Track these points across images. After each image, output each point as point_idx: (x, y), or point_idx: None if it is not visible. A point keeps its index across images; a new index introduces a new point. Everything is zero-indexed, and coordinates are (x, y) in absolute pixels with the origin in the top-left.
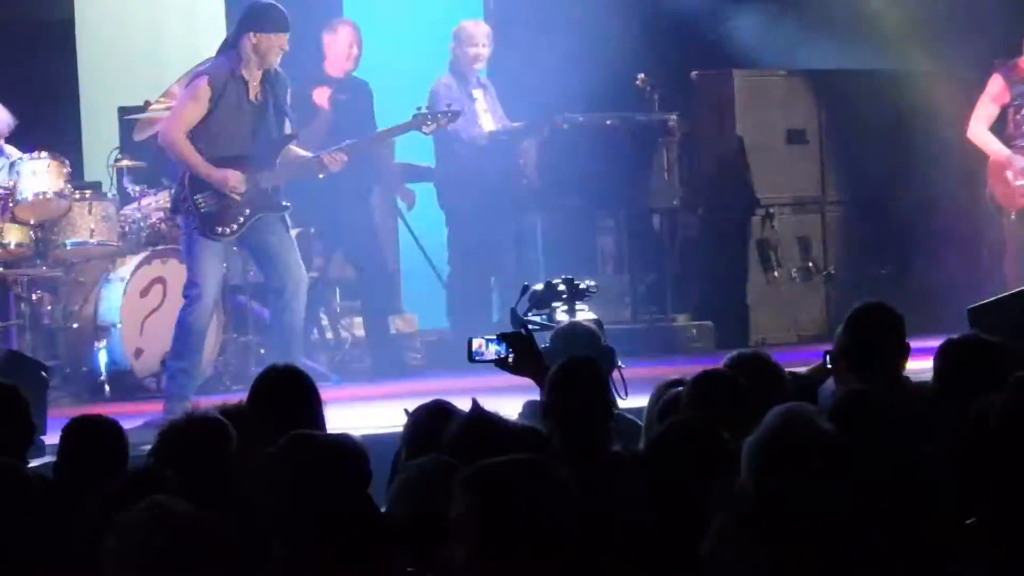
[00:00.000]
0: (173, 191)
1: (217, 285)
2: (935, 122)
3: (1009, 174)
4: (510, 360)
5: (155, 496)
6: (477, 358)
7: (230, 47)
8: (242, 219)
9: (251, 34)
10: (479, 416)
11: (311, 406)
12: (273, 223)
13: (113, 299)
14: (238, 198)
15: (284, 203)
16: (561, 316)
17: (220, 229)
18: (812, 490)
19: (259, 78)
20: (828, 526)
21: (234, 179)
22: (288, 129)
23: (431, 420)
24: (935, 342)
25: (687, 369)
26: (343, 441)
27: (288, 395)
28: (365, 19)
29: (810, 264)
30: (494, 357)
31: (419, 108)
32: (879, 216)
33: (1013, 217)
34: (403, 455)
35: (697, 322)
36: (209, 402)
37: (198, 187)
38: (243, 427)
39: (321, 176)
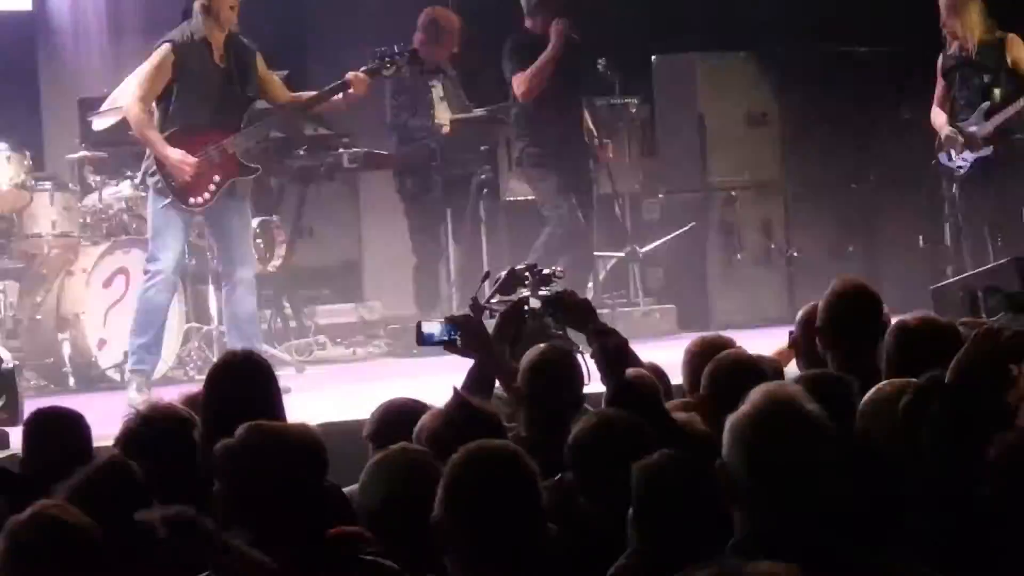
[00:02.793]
0: (144, 163)
1: (178, 260)
2: (896, 103)
3: (949, 149)
4: (458, 342)
5: (45, 502)
6: (426, 341)
7: (185, 16)
8: (213, 187)
9: None
10: (460, 406)
11: (269, 393)
12: (239, 206)
13: (76, 290)
14: (190, 168)
15: (253, 166)
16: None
17: (192, 199)
18: (804, 466)
19: (222, 42)
20: (818, 502)
21: (179, 157)
22: (252, 92)
23: (400, 413)
24: None
25: (650, 353)
26: (299, 431)
27: (246, 382)
28: None
29: (772, 247)
30: (443, 339)
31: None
32: (841, 198)
33: (952, 191)
34: (371, 447)
35: (659, 305)
36: (172, 392)
37: (163, 164)
38: (202, 416)
39: (347, 105)
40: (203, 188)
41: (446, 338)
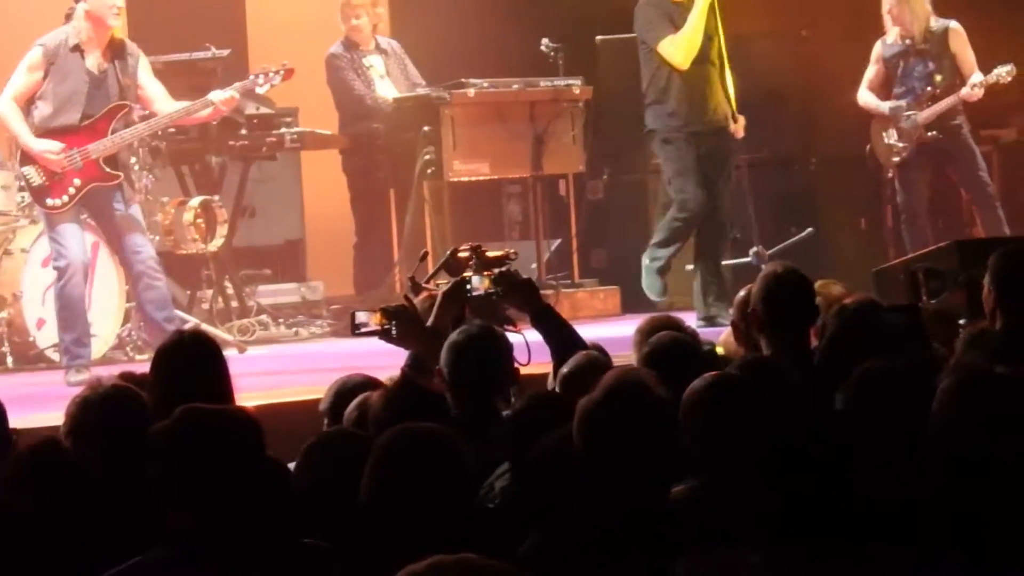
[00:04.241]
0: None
1: (82, 249)
2: (843, 84)
3: (887, 133)
4: (393, 332)
5: None
6: (361, 331)
7: (68, 19)
8: (72, 190)
9: (83, 2)
10: (404, 386)
11: (218, 373)
12: (110, 198)
13: (14, 270)
14: (60, 170)
15: (114, 172)
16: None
17: (50, 201)
18: (644, 452)
19: (102, 47)
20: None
21: (43, 147)
22: (129, 99)
23: (356, 388)
24: None
25: (594, 334)
26: (234, 413)
27: (193, 363)
28: None
29: None
30: (376, 329)
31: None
32: (788, 178)
33: (891, 175)
34: (326, 422)
35: (604, 287)
36: (113, 372)
37: (27, 160)
38: (150, 397)
39: (214, 121)
40: (62, 191)
41: (379, 329)
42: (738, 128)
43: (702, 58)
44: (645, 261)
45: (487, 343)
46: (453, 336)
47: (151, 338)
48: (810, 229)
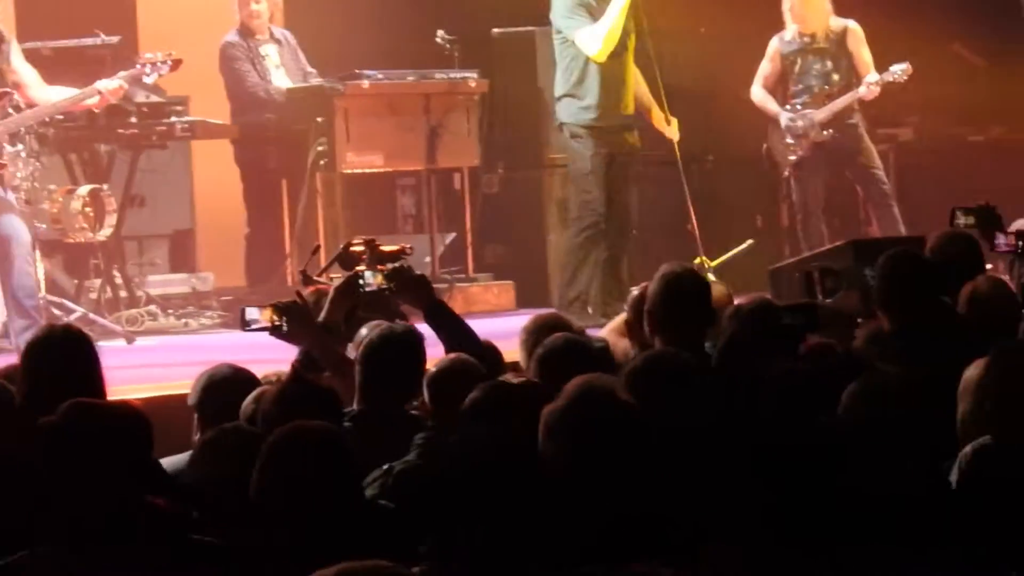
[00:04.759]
0: None
1: None
2: (741, 82)
3: (783, 134)
4: (284, 328)
5: None
6: (251, 327)
7: None
8: None
9: None
10: (295, 382)
11: (90, 367)
12: None
13: None
14: None
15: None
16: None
17: None
18: (612, 460)
19: None
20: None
21: None
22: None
23: (225, 381)
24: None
25: (488, 329)
26: (122, 408)
27: (65, 357)
28: None
29: None
30: (267, 325)
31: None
32: (685, 176)
33: (786, 174)
34: (195, 416)
35: (498, 281)
36: None
37: None
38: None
39: (97, 110)
40: None
41: (270, 325)
42: (672, 130)
43: (618, 51)
44: (572, 315)
45: (407, 345)
46: (373, 334)
47: (15, 325)
48: (750, 241)
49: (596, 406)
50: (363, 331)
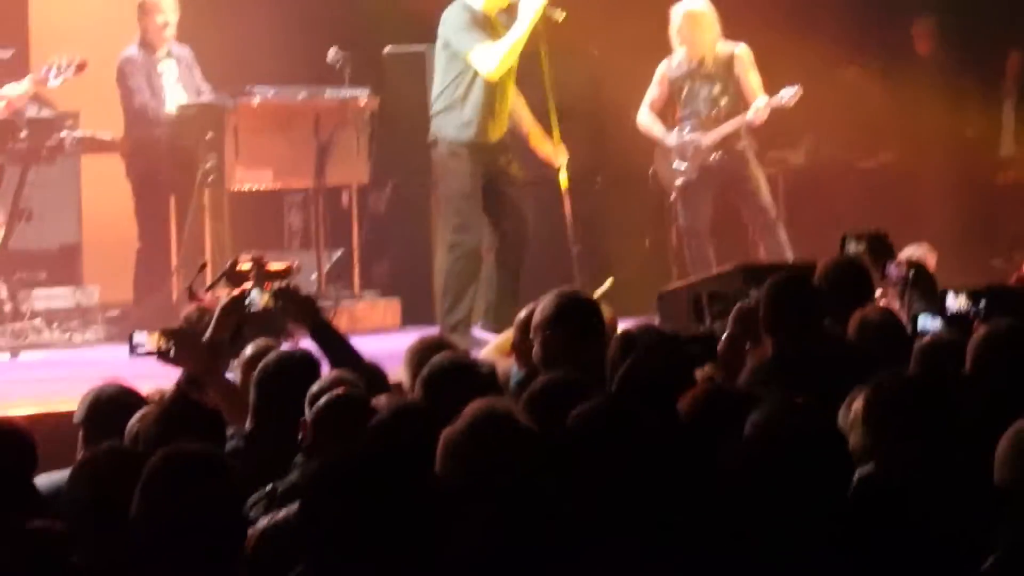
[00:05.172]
0: None
1: None
2: (630, 103)
3: (670, 157)
4: (171, 353)
5: None
6: (137, 351)
7: None
8: None
9: None
10: (178, 401)
11: None
12: None
13: None
14: None
15: None
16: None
17: None
18: (510, 482)
19: None
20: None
21: None
22: None
23: (111, 398)
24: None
25: (373, 347)
26: (6, 426)
27: None
28: None
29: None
30: (153, 350)
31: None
32: (572, 197)
33: (673, 197)
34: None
35: (384, 299)
36: None
37: None
38: None
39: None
40: None
41: (157, 350)
42: (558, 153)
43: (507, 73)
44: (456, 339)
45: (303, 369)
46: (270, 358)
47: None
48: (611, 279)
49: (496, 430)
50: (248, 350)
